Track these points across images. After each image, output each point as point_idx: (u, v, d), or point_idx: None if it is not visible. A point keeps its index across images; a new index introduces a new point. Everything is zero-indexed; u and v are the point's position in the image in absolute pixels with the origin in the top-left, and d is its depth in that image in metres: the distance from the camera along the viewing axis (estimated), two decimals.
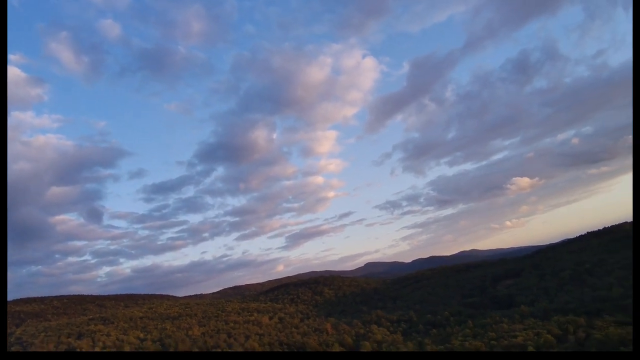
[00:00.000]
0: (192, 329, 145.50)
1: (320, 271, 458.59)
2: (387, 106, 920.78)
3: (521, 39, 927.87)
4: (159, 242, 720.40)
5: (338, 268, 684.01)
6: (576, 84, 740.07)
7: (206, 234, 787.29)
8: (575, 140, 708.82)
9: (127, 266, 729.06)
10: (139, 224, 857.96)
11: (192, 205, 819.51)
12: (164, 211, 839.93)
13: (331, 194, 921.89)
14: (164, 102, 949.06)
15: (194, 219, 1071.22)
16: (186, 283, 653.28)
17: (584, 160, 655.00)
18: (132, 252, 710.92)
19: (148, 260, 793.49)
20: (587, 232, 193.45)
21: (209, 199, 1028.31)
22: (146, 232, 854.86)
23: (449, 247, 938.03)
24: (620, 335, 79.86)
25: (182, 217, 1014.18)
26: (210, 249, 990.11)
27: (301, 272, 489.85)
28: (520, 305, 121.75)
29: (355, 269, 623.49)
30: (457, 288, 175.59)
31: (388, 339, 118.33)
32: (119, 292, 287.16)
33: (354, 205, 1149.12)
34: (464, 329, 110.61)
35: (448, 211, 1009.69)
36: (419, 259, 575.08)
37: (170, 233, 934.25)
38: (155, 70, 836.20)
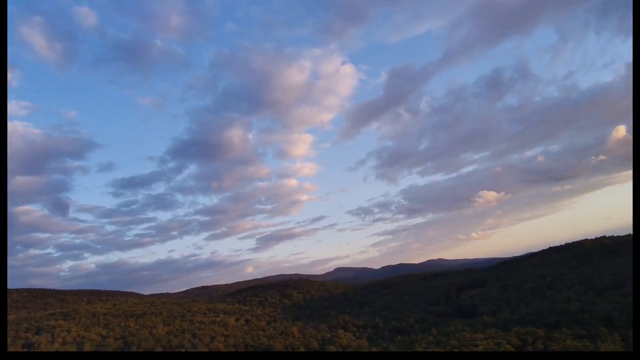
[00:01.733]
0: (156, 328, 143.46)
1: (290, 274, 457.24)
2: (363, 113, 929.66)
3: (495, 56, 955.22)
4: (126, 238, 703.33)
5: (308, 272, 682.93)
6: (546, 104, 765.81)
7: (175, 232, 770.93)
8: (541, 158, 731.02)
9: (91, 261, 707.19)
10: (106, 219, 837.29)
11: (161, 202, 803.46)
12: (132, 207, 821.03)
13: (304, 197, 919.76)
14: (138, 95, 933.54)
15: (163, 216, 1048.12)
16: (152, 281, 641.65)
17: (548, 178, 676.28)
18: (98, 247, 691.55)
19: (114, 256, 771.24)
20: (549, 247, 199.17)
21: (179, 197, 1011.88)
22: (113, 228, 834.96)
23: (417, 255, 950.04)
24: (577, 348, 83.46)
25: (151, 214, 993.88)
26: (179, 248, 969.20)
27: (270, 274, 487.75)
28: (483, 315, 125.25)
29: (325, 274, 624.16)
30: (423, 296, 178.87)
31: (353, 344, 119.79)
32: (82, 287, 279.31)
33: (327, 210, 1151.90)
34: (428, 337, 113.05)
35: (417, 220, 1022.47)
36: (388, 265, 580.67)
37: (138, 229, 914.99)
38: (130, 62, 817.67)
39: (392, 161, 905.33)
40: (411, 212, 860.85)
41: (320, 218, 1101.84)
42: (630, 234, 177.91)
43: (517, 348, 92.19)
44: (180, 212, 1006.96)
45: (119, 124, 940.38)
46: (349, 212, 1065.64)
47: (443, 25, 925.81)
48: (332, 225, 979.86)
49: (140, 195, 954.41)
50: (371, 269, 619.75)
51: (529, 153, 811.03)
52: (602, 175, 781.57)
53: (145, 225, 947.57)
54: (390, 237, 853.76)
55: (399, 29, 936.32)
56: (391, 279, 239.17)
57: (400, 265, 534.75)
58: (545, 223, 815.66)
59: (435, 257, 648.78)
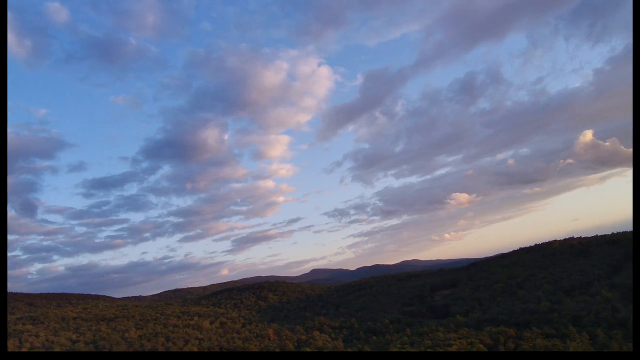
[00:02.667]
0: (128, 332, 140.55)
1: (266, 276, 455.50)
2: (340, 115, 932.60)
3: (468, 61, 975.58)
4: (97, 240, 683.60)
5: (284, 274, 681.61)
6: (516, 108, 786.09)
7: (148, 234, 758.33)
8: (511, 161, 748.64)
9: (61, 264, 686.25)
10: (76, 220, 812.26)
11: (134, 204, 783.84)
12: (104, 208, 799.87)
13: (281, 198, 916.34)
14: (110, 94, 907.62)
15: (136, 217, 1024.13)
16: (124, 284, 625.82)
17: (518, 180, 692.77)
18: (68, 249, 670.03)
19: (84, 259, 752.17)
20: (520, 248, 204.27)
21: (152, 198, 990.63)
22: (83, 229, 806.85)
23: (392, 256, 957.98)
24: (547, 347, 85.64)
25: (123, 215, 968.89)
26: (152, 250, 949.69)
27: (246, 276, 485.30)
28: (456, 315, 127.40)
29: (301, 275, 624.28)
30: (397, 296, 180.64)
31: (329, 346, 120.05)
32: (51, 291, 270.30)
33: (303, 212, 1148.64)
34: (402, 337, 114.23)
35: (393, 221, 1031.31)
36: (364, 267, 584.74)
37: (110, 231, 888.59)
38: (103, 60, 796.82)
39: (368, 163, 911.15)
40: (386, 213, 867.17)
41: (297, 220, 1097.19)
42: (597, 235, 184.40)
43: (490, 348, 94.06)
44: (154, 213, 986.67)
45: (90, 123, 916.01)
46: (325, 213, 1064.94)
47: (418, 30, 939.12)
48: (308, 227, 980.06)
49: (112, 196, 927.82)
50: (347, 270, 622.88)
51: (500, 156, 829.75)
52: (570, 178, 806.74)
53: (117, 227, 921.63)
54: (366, 238, 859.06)
55: (375, 32, 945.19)
56: (366, 280, 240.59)
57: (376, 267, 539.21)
58: (515, 224, 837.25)
59: (409, 258, 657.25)
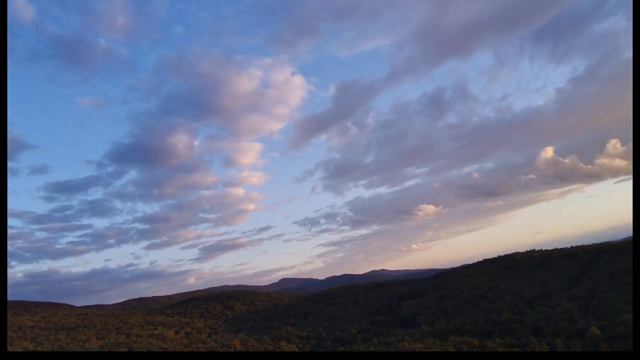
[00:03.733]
0: (89, 342, 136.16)
1: (234, 285, 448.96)
2: (312, 125, 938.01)
3: (437, 76, 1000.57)
4: (58, 246, 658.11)
5: (252, 283, 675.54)
6: (482, 123, 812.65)
7: (112, 241, 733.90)
8: (476, 175, 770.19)
9: (19, 270, 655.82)
10: (36, 225, 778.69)
11: (98, 209, 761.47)
12: (66, 212, 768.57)
13: (251, 206, 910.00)
14: (76, 95, 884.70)
15: (100, 223, 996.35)
16: (86, 292, 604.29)
17: (483, 193, 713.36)
18: (26, 254, 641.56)
19: (44, 265, 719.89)
20: (484, 259, 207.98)
21: (117, 203, 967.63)
22: (44, 234, 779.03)
23: (361, 266, 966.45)
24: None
25: (86, 221, 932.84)
26: (115, 257, 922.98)
27: (213, 285, 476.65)
28: (422, 324, 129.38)
29: (270, 284, 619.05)
30: (365, 306, 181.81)
31: None
32: (8, 299, 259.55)
33: (273, 220, 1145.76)
34: (369, 347, 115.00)
35: (362, 231, 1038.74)
36: (333, 276, 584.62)
37: (72, 237, 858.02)
38: (70, 60, 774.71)
39: (339, 173, 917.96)
40: (356, 223, 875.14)
41: (267, 228, 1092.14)
42: (557, 248, 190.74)
43: None
44: (119, 219, 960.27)
45: (54, 125, 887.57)
46: (295, 222, 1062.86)
47: (389, 44, 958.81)
48: (278, 236, 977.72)
49: (75, 200, 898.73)
50: (316, 279, 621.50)
51: (466, 169, 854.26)
52: (531, 193, 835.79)
53: (79, 233, 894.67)
54: (336, 247, 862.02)
55: (348, 44, 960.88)
56: (335, 290, 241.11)
57: (345, 276, 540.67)
58: (480, 236, 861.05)
59: (378, 267, 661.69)
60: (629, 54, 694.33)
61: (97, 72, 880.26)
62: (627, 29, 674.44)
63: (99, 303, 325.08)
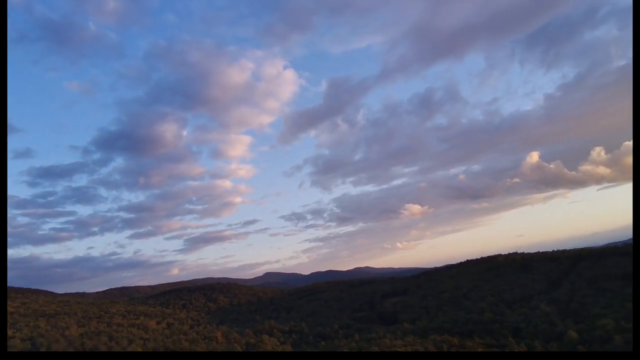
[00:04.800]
0: (69, 329, 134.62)
1: (218, 278, 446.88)
2: (302, 120, 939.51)
3: (428, 77, 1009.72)
4: (40, 232, 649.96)
5: (236, 276, 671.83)
6: (471, 125, 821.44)
7: (95, 229, 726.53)
8: (462, 176, 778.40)
9: None
10: (19, 210, 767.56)
11: (82, 196, 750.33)
12: (49, 198, 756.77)
13: (238, 199, 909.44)
14: (64, 79, 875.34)
15: (84, 210, 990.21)
16: (68, 279, 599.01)
17: (468, 195, 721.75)
18: (8, 240, 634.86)
19: (25, 251, 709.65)
20: (467, 260, 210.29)
21: (103, 191, 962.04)
22: (26, 220, 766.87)
23: (345, 262, 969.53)
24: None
25: (69, 207, 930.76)
26: (99, 245, 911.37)
27: (197, 277, 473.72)
28: (403, 322, 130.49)
29: (254, 278, 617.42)
30: (348, 302, 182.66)
31: (278, 349, 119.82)
32: None
33: (260, 214, 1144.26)
34: (351, 342, 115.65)
35: (348, 228, 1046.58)
36: (317, 272, 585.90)
37: (55, 223, 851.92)
38: (58, 44, 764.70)
39: (327, 169, 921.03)
40: (342, 220, 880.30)
41: (253, 222, 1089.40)
42: (539, 251, 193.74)
43: None
44: (103, 207, 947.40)
45: (40, 108, 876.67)
46: (282, 217, 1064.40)
47: (382, 42, 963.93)
48: (264, 230, 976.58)
49: (59, 186, 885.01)
50: (300, 274, 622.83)
51: (453, 171, 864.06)
52: (516, 196, 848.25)
53: (62, 219, 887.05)
54: (321, 243, 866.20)
55: (340, 40, 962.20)
56: (319, 285, 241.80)
57: (329, 272, 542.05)
58: (464, 237, 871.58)
59: (362, 265, 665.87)
60: (618, 63, 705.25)
61: (85, 57, 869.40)
62: (618, 38, 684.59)
63: (81, 291, 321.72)
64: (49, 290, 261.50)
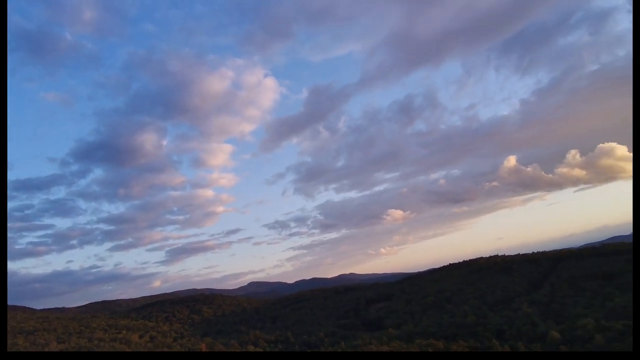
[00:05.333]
0: (48, 346, 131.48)
1: (201, 289, 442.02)
2: (284, 128, 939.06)
3: (408, 84, 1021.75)
4: (17, 247, 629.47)
5: (220, 286, 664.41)
6: (450, 131, 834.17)
7: (74, 242, 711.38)
8: (442, 181, 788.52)
9: None
10: None
11: (61, 208, 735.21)
12: (26, 212, 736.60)
13: (220, 208, 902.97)
14: (40, 90, 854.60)
15: (62, 223, 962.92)
16: (46, 294, 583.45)
17: (448, 200, 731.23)
18: None
19: None
20: (449, 264, 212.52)
21: (81, 203, 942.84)
22: None
23: (330, 269, 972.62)
24: None
25: (47, 221, 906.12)
26: (78, 259, 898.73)
27: (180, 289, 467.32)
28: (388, 327, 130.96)
29: (238, 288, 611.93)
30: (334, 309, 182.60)
31: None
32: None
33: (243, 223, 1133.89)
34: (337, 350, 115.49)
35: (332, 235, 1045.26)
36: (302, 280, 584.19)
37: (32, 237, 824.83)
38: (34, 54, 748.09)
39: (310, 176, 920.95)
40: (326, 227, 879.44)
41: (236, 231, 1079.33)
42: (519, 254, 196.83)
43: None
44: (82, 219, 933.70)
45: (16, 119, 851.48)
46: (265, 225, 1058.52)
47: (362, 50, 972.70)
48: (247, 239, 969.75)
49: (37, 199, 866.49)
50: (285, 283, 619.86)
51: (433, 176, 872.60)
52: (495, 200, 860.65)
53: (40, 233, 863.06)
54: (306, 251, 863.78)
55: (321, 48, 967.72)
56: (304, 293, 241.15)
57: (314, 280, 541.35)
58: (445, 241, 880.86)
59: (347, 271, 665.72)
60: (590, 67, 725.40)
61: (62, 67, 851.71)
62: (590, 43, 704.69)
63: (60, 306, 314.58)
64: (27, 306, 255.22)
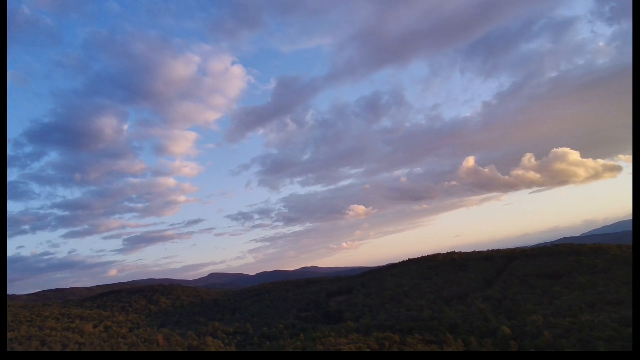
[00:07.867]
0: None
1: (160, 279, 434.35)
2: (250, 118, 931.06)
3: (376, 81, 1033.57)
4: None
5: (179, 277, 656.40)
6: (414, 130, 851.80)
7: (26, 227, 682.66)
8: (404, 179, 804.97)
9: None
10: None
11: (13, 192, 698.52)
12: None
13: (182, 198, 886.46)
14: None
15: (14, 207, 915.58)
16: None
17: (409, 197, 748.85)
18: None
19: None
20: (408, 259, 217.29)
21: (35, 187, 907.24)
22: None
23: (292, 262, 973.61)
24: None
25: None
26: (30, 245, 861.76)
27: (138, 278, 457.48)
28: (348, 320, 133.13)
29: (198, 279, 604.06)
30: (294, 302, 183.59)
31: (221, 351, 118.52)
32: None
33: (205, 213, 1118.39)
34: (296, 342, 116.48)
35: (296, 228, 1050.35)
36: (264, 272, 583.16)
37: None
38: None
39: (275, 169, 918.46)
40: (290, 220, 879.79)
41: (198, 221, 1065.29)
42: (474, 251, 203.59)
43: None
44: (35, 204, 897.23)
45: None
46: (228, 216, 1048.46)
47: (331, 44, 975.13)
48: (209, 230, 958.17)
49: None
50: (247, 275, 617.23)
51: (397, 173, 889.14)
52: (454, 199, 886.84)
53: None
54: (268, 244, 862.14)
55: (290, 39, 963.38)
56: (265, 286, 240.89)
57: (276, 272, 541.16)
58: (405, 237, 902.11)
59: (309, 264, 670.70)
60: (550, 74, 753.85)
61: (18, 43, 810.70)
62: (551, 50, 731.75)
63: (10, 293, 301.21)
64: None
